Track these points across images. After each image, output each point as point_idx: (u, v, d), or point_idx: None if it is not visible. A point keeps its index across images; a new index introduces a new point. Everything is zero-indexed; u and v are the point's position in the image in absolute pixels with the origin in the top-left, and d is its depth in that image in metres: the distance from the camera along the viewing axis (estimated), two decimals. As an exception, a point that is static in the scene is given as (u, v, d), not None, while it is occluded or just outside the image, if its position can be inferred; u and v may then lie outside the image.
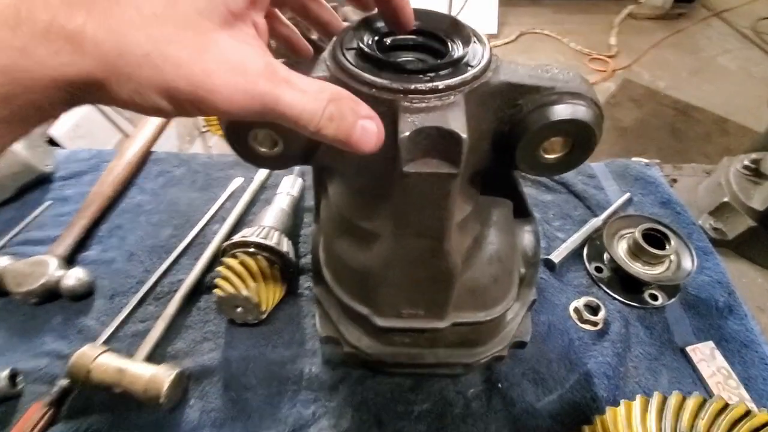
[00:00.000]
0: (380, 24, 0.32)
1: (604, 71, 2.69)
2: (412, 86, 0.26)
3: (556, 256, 0.64)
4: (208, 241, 0.68)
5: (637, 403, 0.44)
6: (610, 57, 2.77)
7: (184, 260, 0.66)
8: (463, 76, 0.27)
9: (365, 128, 0.24)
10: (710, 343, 0.57)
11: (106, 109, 1.32)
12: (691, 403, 0.42)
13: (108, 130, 1.35)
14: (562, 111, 0.28)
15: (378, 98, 0.27)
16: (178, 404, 0.51)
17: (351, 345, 0.50)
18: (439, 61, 0.29)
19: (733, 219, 0.66)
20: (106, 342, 0.57)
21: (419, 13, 0.32)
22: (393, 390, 0.53)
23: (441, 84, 0.26)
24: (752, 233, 0.65)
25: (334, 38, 0.30)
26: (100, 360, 0.51)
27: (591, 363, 0.55)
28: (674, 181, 0.77)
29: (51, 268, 0.60)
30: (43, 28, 0.18)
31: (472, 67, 0.28)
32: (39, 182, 0.77)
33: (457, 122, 0.25)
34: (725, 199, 0.67)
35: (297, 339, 0.57)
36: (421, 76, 0.27)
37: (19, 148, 0.73)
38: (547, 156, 0.31)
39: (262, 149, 0.32)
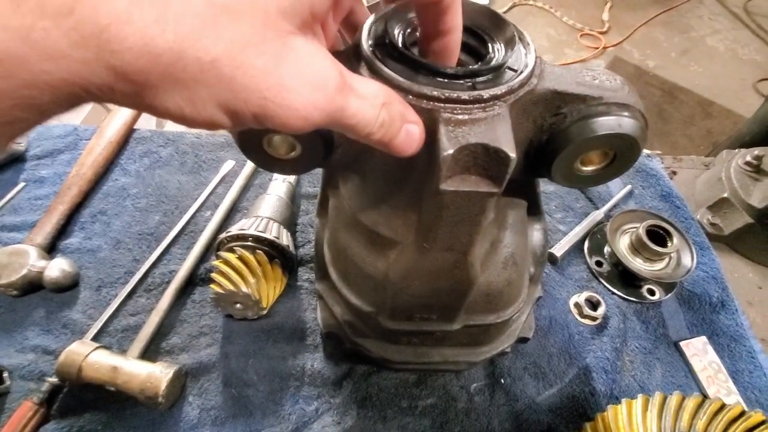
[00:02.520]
0: (411, 15, 0.28)
1: (596, 48, 2.66)
2: (454, 94, 0.24)
3: (558, 250, 0.64)
4: (200, 229, 0.64)
5: (638, 403, 0.45)
6: (601, 33, 2.73)
7: (176, 249, 0.63)
8: (509, 84, 0.25)
9: (409, 132, 0.23)
10: (703, 338, 0.59)
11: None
12: (690, 403, 0.43)
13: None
14: (609, 124, 0.26)
15: (415, 107, 0.24)
16: (176, 402, 0.50)
17: (354, 342, 0.49)
18: (480, 63, 0.26)
19: (731, 215, 0.67)
20: (95, 337, 0.54)
21: None
22: (397, 385, 0.52)
23: (486, 93, 0.24)
24: (748, 229, 0.66)
25: (362, 30, 0.27)
26: (92, 358, 0.49)
27: (590, 357, 0.56)
28: (674, 173, 0.77)
29: (31, 258, 0.56)
30: (62, 4, 0.13)
31: (515, 71, 0.26)
32: (10, 161, 0.71)
33: (504, 139, 0.23)
34: (725, 195, 0.67)
35: (298, 333, 0.56)
36: (461, 81, 0.25)
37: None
38: (584, 168, 0.30)
39: (278, 154, 0.29)
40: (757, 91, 2.55)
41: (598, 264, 0.64)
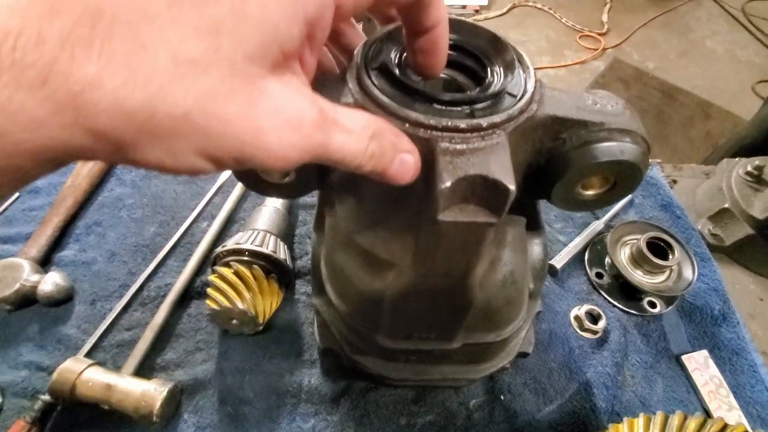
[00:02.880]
0: None
1: (595, 49, 2.65)
2: (452, 123, 0.23)
3: (558, 261, 0.64)
4: (196, 240, 0.63)
5: (640, 422, 0.44)
6: (601, 34, 2.73)
7: (172, 261, 0.62)
8: (508, 112, 0.24)
9: (403, 162, 0.23)
10: (704, 352, 0.58)
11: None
12: (692, 423, 0.43)
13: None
14: (611, 151, 0.25)
15: (411, 135, 0.23)
16: (171, 420, 0.49)
17: (352, 359, 0.49)
18: (478, 89, 0.26)
19: (732, 226, 0.67)
20: (89, 353, 0.54)
21: (454, 24, 0.28)
22: (396, 402, 0.52)
23: (484, 121, 0.23)
24: (749, 240, 0.66)
25: (357, 52, 0.26)
26: (86, 375, 0.48)
27: (590, 372, 0.55)
28: (674, 182, 0.77)
29: (25, 272, 0.55)
30: (35, 76, 0.13)
31: (514, 97, 0.25)
32: (4, 172, 0.70)
33: (503, 169, 0.22)
34: (726, 205, 0.67)
35: (295, 348, 0.55)
36: (459, 108, 0.24)
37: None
38: (584, 192, 0.29)
39: (272, 179, 0.29)
40: (756, 93, 2.55)
41: (599, 276, 0.64)
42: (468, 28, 0.28)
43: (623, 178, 0.27)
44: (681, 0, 3.08)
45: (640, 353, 0.58)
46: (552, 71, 2.55)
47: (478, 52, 0.28)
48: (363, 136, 0.20)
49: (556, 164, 0.27)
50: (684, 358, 0.57)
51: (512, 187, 0.22)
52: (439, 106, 0.24)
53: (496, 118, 0.24)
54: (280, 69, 0.18)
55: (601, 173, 0.27)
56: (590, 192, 0.29)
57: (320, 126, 0.19)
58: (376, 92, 0.24)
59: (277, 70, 0.18)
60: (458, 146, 0.23)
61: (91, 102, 0.14)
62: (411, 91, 0.24)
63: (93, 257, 0.62)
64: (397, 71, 0.25)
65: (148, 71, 0.15)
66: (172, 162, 0.17)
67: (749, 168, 0.65)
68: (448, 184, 0.22)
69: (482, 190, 0.23)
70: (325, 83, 0.26)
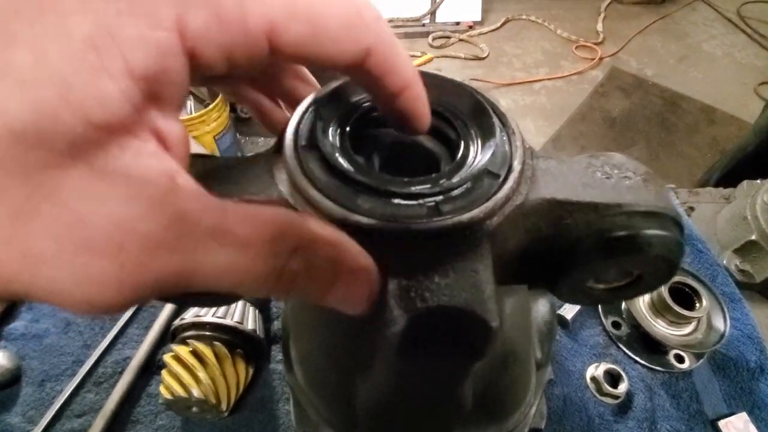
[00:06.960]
0: (359, 96, 0.21)
1: (592, 59, 2.61)
2: (407, 226, 0.16)
3: (568, 311, 0.56)
4: (161, 305, 0.57)
5: None
6: (597, 44, 2.69)
7: (133, 330, 0.55)
8: (487, 204, 0.17)
9: (349, 287, 0.15)
10: (743, 415, 0.50)
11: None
12: None
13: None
14: (632, 244, 0.19)
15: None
16: None
17: (333, 449, 0.41)
18: (447, 171, 0.19)
19: (762, 260, 0.59)
20: (33, 447, 0.47)
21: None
22: (386, 497, 0.44)
23: (453, 221, 0.17)
24: (782, 276, 0.58)
25: (291, 121, 0.20)
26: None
27: (614, 447, 0.47)
28: (691, 209, 0.70)
29: (-38, 354, 0.49)
30: None
31: (496, 177, 0.19)
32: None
33: (483, 295, 0.16)
34: (752, 237, 0.59)
35: (269, 431, 0.48)
36: (421, 201, 0.17)
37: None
38: (598, 287, 0.22)
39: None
40: (759, 96, 2.48)
41: (616, 325, 0.56)
42: (438, 81, 0.22)
43: (651, 272, 0.20)
44: (675, 6, 3.05)
45: (670, 419, 0.50)
46: (550, 83, 2.50)
47: (446, 112, 0.21)
48: (275, 251, 0.13)
49: (558, 257, 0.20)
50: (721, 424, 0.49)
51: (495, 323, 0.15)
52: (391, 200, 0.17)
53: (472, 215, 0.17)
54: (92, 150, 0.11)
55: (621, 268, 0.20)
56: (606, 286, 0.22)
57: (172, 244, 0.12)
58: (304, 183, 0.17)
59: (83, 154, 0.11)
60: (417, 260, 0.16)
61: None
62: (350, 182, 0.17)
63: (45, 328, 0.55)
64: (335, 152, 0.18)
65: None
66: None
67: (776, 194, 0.58)
68: (401, 324, 0.15)
69: (455, 326, 0.16)
70: (249, 166, 0.19)
